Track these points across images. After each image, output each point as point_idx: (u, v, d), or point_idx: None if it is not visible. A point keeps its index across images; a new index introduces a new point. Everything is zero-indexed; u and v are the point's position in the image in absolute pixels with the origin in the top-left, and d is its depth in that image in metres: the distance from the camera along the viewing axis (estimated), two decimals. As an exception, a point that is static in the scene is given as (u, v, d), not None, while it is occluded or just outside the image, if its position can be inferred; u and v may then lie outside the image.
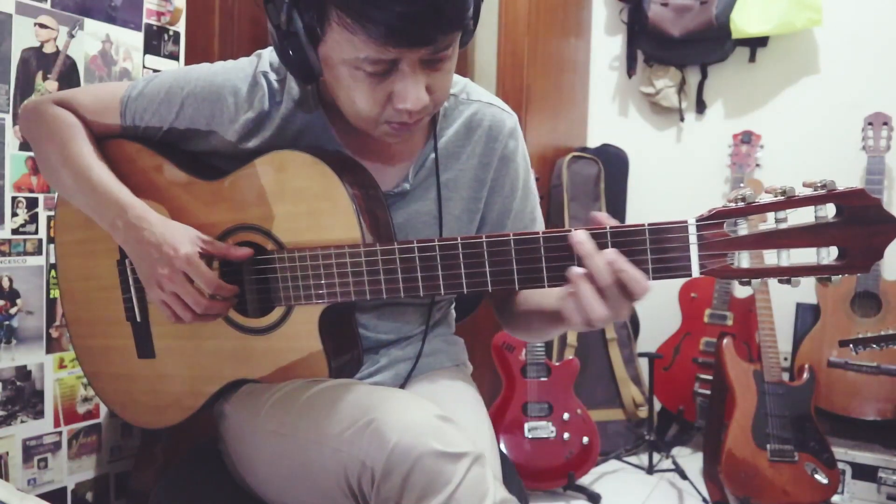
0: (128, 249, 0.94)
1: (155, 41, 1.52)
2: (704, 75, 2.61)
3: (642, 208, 2.70)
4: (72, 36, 1.37)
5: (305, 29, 0.80)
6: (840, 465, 1.98)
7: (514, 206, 1.05)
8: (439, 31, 0.78)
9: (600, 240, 0.76)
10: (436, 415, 0.79)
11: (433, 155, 0.99)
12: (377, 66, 0.79)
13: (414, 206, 1.00)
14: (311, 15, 0.79)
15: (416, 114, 0.84)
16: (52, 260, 1.37)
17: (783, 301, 2.24)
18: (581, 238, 0.75)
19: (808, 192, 0.70)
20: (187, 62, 1.58)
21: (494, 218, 1.05)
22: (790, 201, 0.70)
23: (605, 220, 0.77)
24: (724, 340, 2.03)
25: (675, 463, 2.12)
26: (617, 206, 2.67)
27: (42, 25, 1.32)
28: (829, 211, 0.70)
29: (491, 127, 1.01)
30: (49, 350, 1.39)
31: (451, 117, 1.00)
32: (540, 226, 1.09)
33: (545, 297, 0.96)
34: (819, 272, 0.71)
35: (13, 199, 1.32)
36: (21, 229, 1.34)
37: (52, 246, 1.37)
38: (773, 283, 0.74)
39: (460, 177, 1.01)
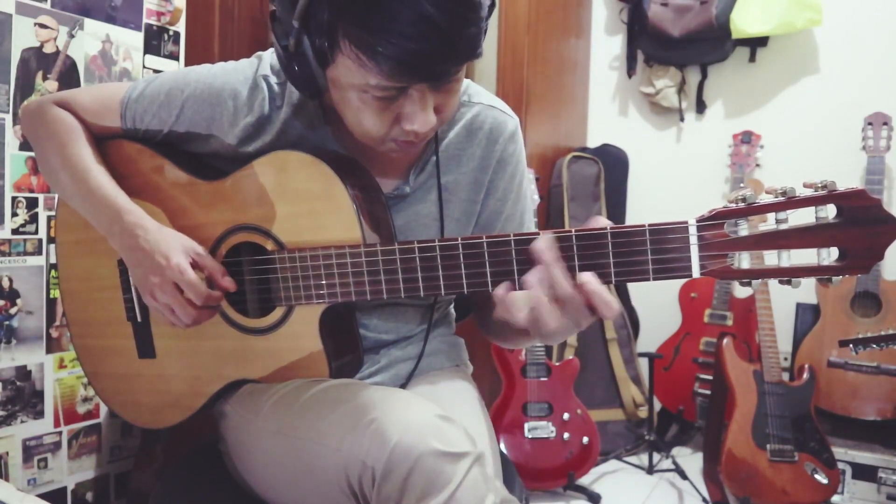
0: (123, 255, 0.95)
1: (155, 41, 1.52)
2: (704, 75, 2.61)
3: (642, 208, 2.70)
4: (72, 36, 1.37)
5: (314, 52, 0.79)
6: (840, 465, 1.98)
7: (505, 209, 1.04)
8: (451, 65, 0.78)
9: (601, 240, 0.76)
10: (436, 414, 0.79)
11: (434, 157, 0.99)
12: (386, 93, 0.79)
13: (414, 209, 1.00)
14: (322, 41, 0.78)
15: (423, 134, 0.84)
16: (53, 260, 1.37)
17: (783, 301, 2.24)
18: (541, 246, 0.73)
19: (809, 192, 0.69)
20: (187, 62, 1.58)
21: (484, 219, 1.04)
22: (790, 202, 0.70)
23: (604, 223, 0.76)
24: (724, 340, 2.03)
25: (675, 463, 2.12)
26: (617, 207, 2.67)
27: (42, 25, 1.32)
28: (830, 211, 0.70)
29: (492, 130, 1.01)
30: (49, 350, 1.39)
31: (452, 119, 1.00)
32: (528, 229, 1.08)
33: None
34: (819, 273, 0.70)
35: (13, 199, 1.32)
36: (21, 229, 1.34)
37: (52, 246, 1.37)
38: (773, 283, 0.74)
39: (461, 179, 1.01)
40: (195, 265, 0.90)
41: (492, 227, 1.05)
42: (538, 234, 0.78)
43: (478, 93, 1.03)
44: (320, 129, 0.96)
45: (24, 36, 1.30)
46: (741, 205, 0.71)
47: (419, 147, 0.91)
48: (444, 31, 0.72)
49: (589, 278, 0.72)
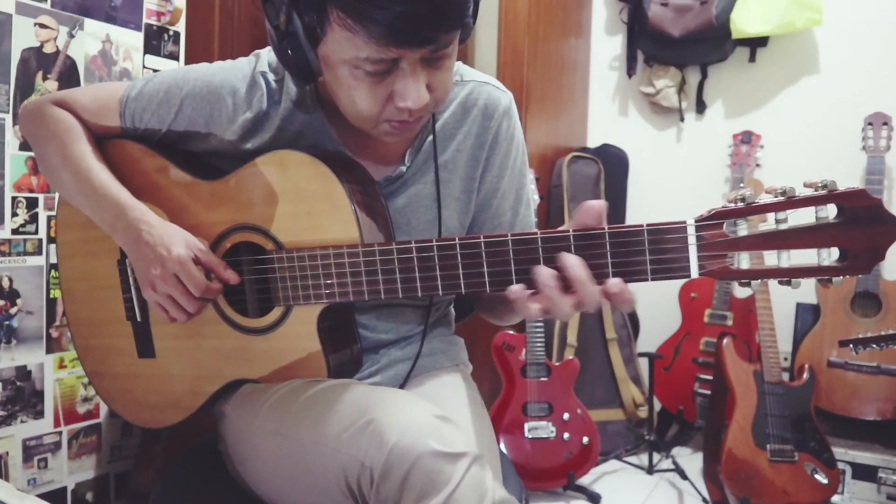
0: (127, 250, 0.95)
1: (155, 41, 1.52)
2: (704, 75, 2.61)
3: (642, 208, 2.70)
4: (72, 36, 1.37)
5: (305, 29, 0.80)
6: (840, 465, 1.98)
7: (501, 186, 1.05)
8: (440, 30, 0.78)
9: (599, 240, 0.76)
10: (435, 415, 0.79)
11: (430, 137, 0.99)
12: (378, 66, 0.79)
13: (413, 189, 1.00)
14: (311, 15, 0.79)
15: (417, 112, 0.84)
16: (53, 260, 1.37)
17: (783, 301, 2.24)
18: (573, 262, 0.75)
19: (809, 192, 0.69)
20: (187, 62, 1.58)
21: (482, 197, 1.05)
22: (790, 202, 0.69)
23: (599, 208, 0.76)
24: (724, 340, 2.02)
25: (675, 463, 2.12)
26: (617, 206, 2.67)
27: (42, 25, 1.32)
28: (830, 211, 0.69)
29: (486, 106, 1.01)
30: (49, 350, 1.39)
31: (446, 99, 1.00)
32: (525, 207, 1.09)
33: None
34: (820, 273, 0.70)
35: (13, 199, 1.32)
36: (21, 229, 1.33)
37: (52, 246, 1.37)
38: (773, 283, 0.74)
39: (458, 157, 1.01)
40: (197, 261, 0.90)
41: (488, 205, 1.05)
42: (536, 233, 0.78)
43: (469, 72, 1.03)
44: (316, 117, 0.96)
45: (24, 36, 1.30)
46: (740, 204, 0.71)
47: (413, 129, 0.91)
48: None
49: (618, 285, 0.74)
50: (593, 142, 2.81)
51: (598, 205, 0.75)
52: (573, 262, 0.74)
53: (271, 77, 0.95)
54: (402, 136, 0.91)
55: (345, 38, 0.77)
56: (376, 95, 0.83)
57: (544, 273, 0.75)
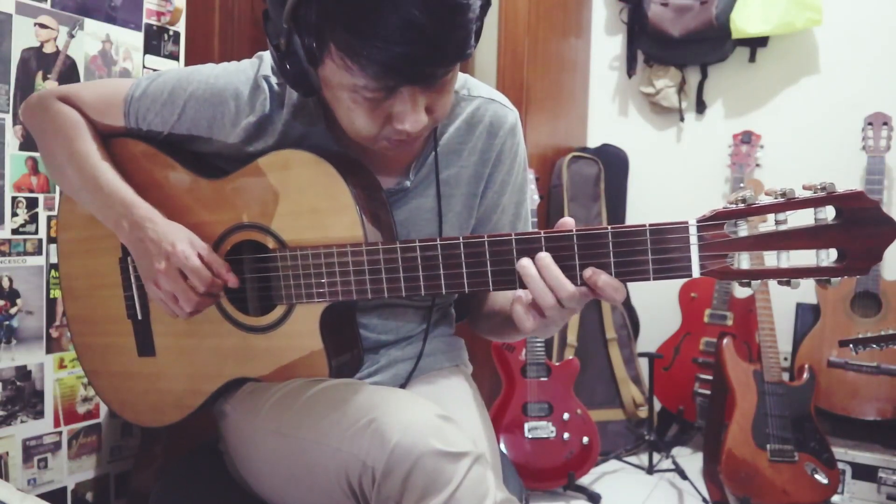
0: (130, 248, 0.95)
1: (155, 41, 1.52)
2: (704, 75, 2.61)
3: (642, 208, 2.70)
4: (72, 36, 1.37)
5: (305, 52, 0.79)
6: (840, 465, 1.98)
7: (502, 202, 1.05)
8: (440, 68, 0.78)
9: (601, 239, 0.76)
10: (436, 414, 0.79)
11: (434, 152, 0.99)
12: (376, 94, 0.79)
13: (415, 203, 1.00)
14: (311, 40, 0.78)
15: (416, 133, 0.84)
16: (53, 260, 1.37)
17: (783, 301, 2.24)
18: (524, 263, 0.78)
19: (808, 194, 0.70)
20: (187, 62, 1.58)
21: (482, 212, 1.05)
22: (790, 203, 0.70)
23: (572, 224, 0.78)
24: (724, 340, 2.03)
25: (675, 463, 2.12)
26: (617, 206, 2.67)
27: (42, 25, 1.32)
28: (829, 213, 0.70)
29: (492, 123, 1.01)
30: (49, 350, 1.39)
31: (452, 114, 1.00)
32: (524, 223, 1.09)
33: (506, 298, 1.00)
34: (818, 274, 0.71)
35: (13, 199, 1.32)
36: (21, 229, 1.34)
37: (52, 246, 1.37)
38: (773, 283, 0.74)
39: (462, 173, 1.01)
40: (200, 259, 0.90)
41: (488, 220, 1.05)
42: (539, 233, 0.78)
43: (477, 86, 1.03)
44: (319, 126, 0.96)
45: (24, 36, 1.30)
46: (741, 205, 0.71)
47: (413, 145, 0.91)
48: (431, 36, 0.72)
49: (591, 274, 0.76)
50: (593, 142, 2.81)
51: (571, 221, 0.78)
52: (541, 256, 0.77)
53: (274, 81, 0.95)
54: (402, 151, 0.91)
55: (343, 68, 0.77)
56: (375, 118, 0.83)
57: (524, 261, 0.78)
